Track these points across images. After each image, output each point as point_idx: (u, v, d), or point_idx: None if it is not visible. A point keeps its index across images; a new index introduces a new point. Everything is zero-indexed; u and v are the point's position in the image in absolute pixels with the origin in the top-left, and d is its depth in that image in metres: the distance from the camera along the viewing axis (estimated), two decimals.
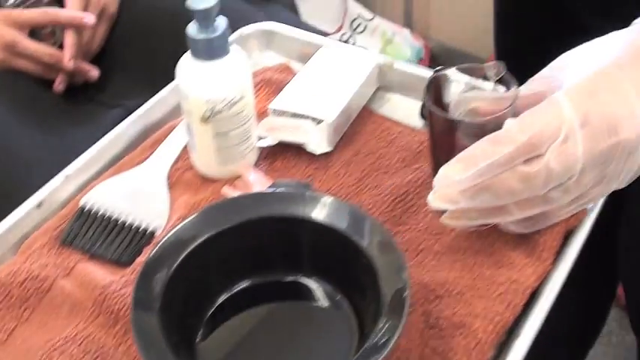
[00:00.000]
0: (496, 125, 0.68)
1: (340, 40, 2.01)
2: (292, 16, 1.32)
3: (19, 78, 1.10)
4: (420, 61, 2.09)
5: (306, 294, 0.66)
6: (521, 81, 0.67)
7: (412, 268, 0.70)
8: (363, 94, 0.87)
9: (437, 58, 2.19)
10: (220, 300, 0.65)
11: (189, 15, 0.72)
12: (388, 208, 0.75)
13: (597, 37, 0.63)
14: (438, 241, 0.73)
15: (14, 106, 1.08)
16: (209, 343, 0.64)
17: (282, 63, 0.94)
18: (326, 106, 0.81)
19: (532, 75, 0.66)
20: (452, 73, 0.72)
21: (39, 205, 0.78)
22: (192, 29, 0.73)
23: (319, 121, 0.80)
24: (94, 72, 1.12)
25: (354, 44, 2.02)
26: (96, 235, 0.76)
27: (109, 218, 0.77)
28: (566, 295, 1.15)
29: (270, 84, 0.89)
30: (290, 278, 0.66)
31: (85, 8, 1.11)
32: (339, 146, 0.82)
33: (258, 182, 0.77)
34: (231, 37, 0.95)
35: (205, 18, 0.72)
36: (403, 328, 0.57)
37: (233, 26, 1.02)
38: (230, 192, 0.75)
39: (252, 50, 0.97)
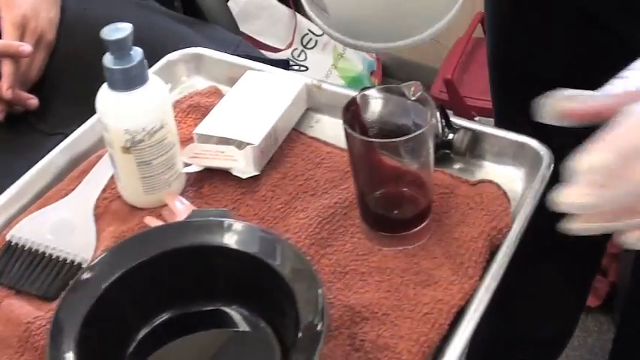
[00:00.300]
0: (415, 143, 0.68)
1: (292, 56, 2.01)
2: (233, 37, 1.31)
3: None
4: (372, 74, 2.09)
5: (227, 322, 0.66)
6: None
7: (338, 291, 0.70)
8: (291, 116, 0.86)
9: (389, 70, 2.19)
10: (141, 334, 0.64)
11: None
12: (315, 231, 0.75)
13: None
14: (364, 262, 0.73)
15: None
16: None
17: (211, 86, 0.93)
18: (252, 129, 0.81)
19: None
20: (372, 93, 0.72)
21: None
22: (107, 60, 0.72)
23: (245, 145, 0.79)
24: (33, 101, 1.10)
25: (305, 60, 2.02)
26: (22, 269, 0.75)
27: (36, 252, 0.76)
28: (539, 297, 1.17)
29: (198, 109, 0.89)
30: (210, 307, 0.65)
31: (22, 37, 1.10)
32: (267, 169, 0.82)
33: (184, 210, 0.76)
34: (159, 63, 0.95)
35: (120, 49, 0.72)
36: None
37: (172, 49, 1.02)
38: (153, 222, 0.74)
39: (180, 75, 0.96)
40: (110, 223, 0.79)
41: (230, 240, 0.63)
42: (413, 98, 0.71)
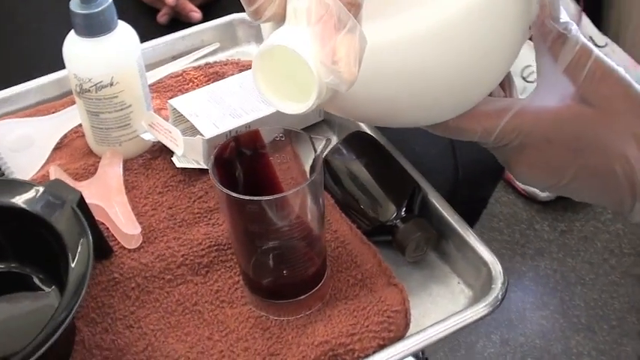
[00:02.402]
0: (277, 204, 0.58)
1: None
2: None
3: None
4: None
5: (23, 283, 0.64)
6: None
7: (169, 330, 0.63)
8: (291, 121, 0.76)
9: None
10: None
11: None
12: (199, 253, 0.67)
13: None
14: (217, 308, 0.64)
15: None
16: None
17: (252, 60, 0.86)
18: (221, 120, 0.73)
19: None
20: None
21: None
22: (73, 3, 0.69)
23: (197, 134, 0.73)
24: (195, 14, 1.09)
25: None
26: None
27: None
28: None
29: (222, 78, 0.82)
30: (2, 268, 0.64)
31: None
32: None
33: (115, 175, 0.73)
34: (219, 21, 0.89)
35: None
36: None
37: None
38: (54, 172, 0.72)
39: (240, 40, 0.90)
40: (63, 156, 0.78)
41: (19, 200, 0.61)
42: (317, 153, 0.60)
